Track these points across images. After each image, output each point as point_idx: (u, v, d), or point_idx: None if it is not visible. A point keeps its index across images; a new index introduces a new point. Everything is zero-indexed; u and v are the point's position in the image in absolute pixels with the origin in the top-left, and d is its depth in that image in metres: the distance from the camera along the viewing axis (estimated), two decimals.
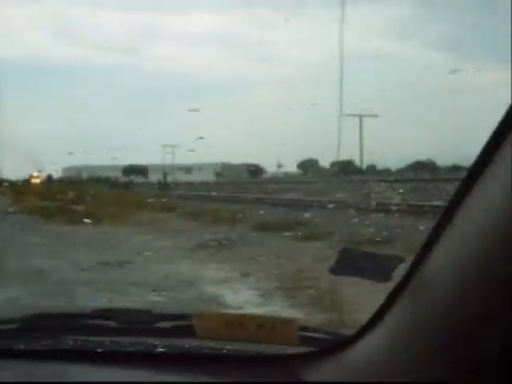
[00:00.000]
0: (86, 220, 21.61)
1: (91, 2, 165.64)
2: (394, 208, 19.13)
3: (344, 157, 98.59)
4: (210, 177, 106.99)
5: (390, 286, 1.57)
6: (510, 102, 1.24)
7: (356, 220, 16.02)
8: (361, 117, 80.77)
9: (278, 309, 8.26)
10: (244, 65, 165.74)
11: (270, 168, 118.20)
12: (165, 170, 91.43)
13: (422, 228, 13.82)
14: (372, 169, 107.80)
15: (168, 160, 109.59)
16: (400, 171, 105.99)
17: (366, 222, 15.74)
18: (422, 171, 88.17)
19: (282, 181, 65.11)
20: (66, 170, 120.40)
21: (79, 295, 8.35)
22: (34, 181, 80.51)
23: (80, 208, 27.79)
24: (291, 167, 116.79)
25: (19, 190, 45.42)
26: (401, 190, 31.67)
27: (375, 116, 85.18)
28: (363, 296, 8.69)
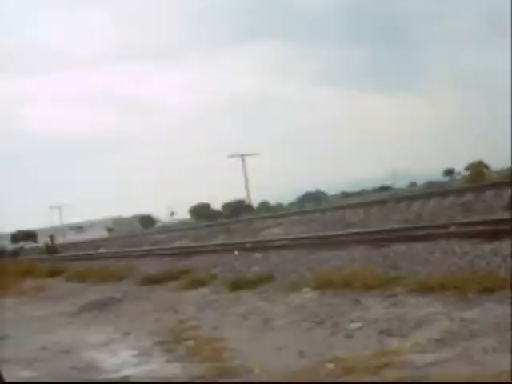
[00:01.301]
0: None
1: None
2: (278, 244, 19.35)
3: (235, 197, 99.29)
4: (102, 233, 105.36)
5: None
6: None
7: (238, 261, 16.04)
8: (243, 156, 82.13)
9: (156, 366, 8.07)
10: (117, 119, 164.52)
11: (163, 216, 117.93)
12: (53, 231, 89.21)
13: (301, 262, 14.00)
14: (264, 205, 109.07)
15: (57, 221, 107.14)
16: (291, 204, 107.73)
17: (250, 262, 15.78)
18: (313, 201, 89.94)
19: (174, 228, 64.91)
20: None
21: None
22: None
23: None
24: (184, 213, 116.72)
25: None
26: (283, 225, 32.33)
27: (256, 154, 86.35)
28: (245, 341, 8.67)
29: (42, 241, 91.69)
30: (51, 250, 52.85)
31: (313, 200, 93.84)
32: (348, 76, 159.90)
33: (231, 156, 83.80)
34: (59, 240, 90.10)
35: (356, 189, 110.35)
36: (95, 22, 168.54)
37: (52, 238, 61.14)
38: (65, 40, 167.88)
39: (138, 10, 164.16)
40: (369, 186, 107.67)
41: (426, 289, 9.26)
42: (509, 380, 5.43)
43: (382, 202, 34.19)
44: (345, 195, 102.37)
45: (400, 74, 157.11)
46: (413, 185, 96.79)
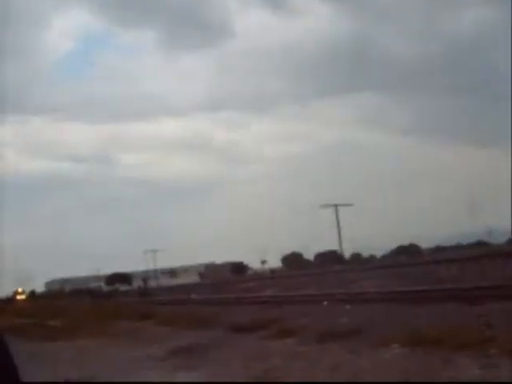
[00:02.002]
0: (61, 335, 21.32)
1: (61, 117, 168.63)
2: (369, 297, 19.04)
3: (327, 247, 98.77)
4: (194, 278, 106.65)
5: None
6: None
7: (328, 312, 15.84)
8: (336, 206, 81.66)
9: None
10: (216, 166, 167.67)
11: (255, 264, 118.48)
12: (147, 275, 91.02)
13: (392, 317, 13.68)
14: (357, 257, 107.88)
15: (151, 265, 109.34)
16: (384, 256, 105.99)
17: (339, 314, 15.56)
18: (407, 254, 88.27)
19: (265, 277, 65.01)
20: (48, 283, 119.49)
21: None
22: (19, 297, 79.68)
23: (56, 323, 27.41)
24: (276, 262, 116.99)
25: None
26: (375, 277, 31.75)
27: (350, 205, 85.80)
28: None
29: (136, 284, 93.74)
30: (144, 293, 53.90)
31: (406, 253, 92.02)
32: (442, 127, 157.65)
33: (324, 206, 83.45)
34: (152, 284, 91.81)
35: (451, 243, 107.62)
36: (196, 72, 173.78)
37: (145, 281, 62.43)
38: (165, 89, 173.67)
39: (238, 61, 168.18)
40: (464, 240, 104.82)
41: None
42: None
43: (478, 258, 33.20)
44: (439, 249, 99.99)
45: (495, 127, 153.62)
46: (511, 241, 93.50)
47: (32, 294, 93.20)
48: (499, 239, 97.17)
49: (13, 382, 1.42)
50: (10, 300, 74.49)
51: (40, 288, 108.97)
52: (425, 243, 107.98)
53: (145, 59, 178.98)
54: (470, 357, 9.24)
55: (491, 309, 12.28)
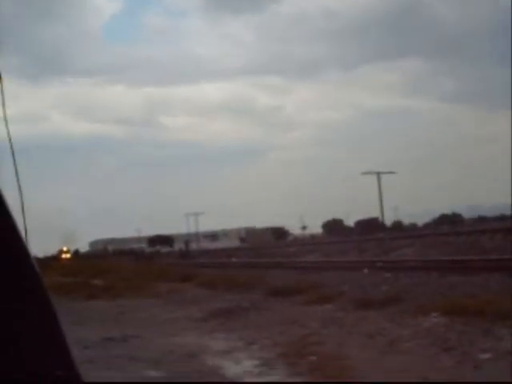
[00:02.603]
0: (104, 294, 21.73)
1: (106, 79, 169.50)
2: (410, 265, 18.93)
3: (368, 214, 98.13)
4: (235, 242, 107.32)
5: None
6: None
7: (367, 280, 15.81)
8: (379, 174, 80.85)
9: (277, 379, 8.07)
10: (257, 131, 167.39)
11: (295, 230, 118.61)
12: (188, 238, 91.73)
13: (432, 285, 13.59)
14: (398, 225, 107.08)
15: (193, 228, 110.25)
16: (426, 225, 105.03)
17: (379, 281, 15.53)
18: (449, 224, 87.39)
19: (306, 242, 65.09)
20: (92, 243, 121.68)
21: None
22: (64, 256, 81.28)
23: (100, 282, 27.91)
24: (316, 228, 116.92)
25: (43, 266, 45.65)
26: (416, 246, 31.47)
27: (393, 173, 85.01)
28: (369, 361, 8.52)
29: (178, 246, 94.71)
30: (185, 255, 54.44)
31: (448, 222, 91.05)
32: (487, 96, 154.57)
33: (366, 173, 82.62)
34: (193, 247, 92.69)
35: (495, 213, 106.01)
36: (240, 36, 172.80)
37: (187, 244, 62.96)
38: (210, 53, 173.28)
39: (282, 25, 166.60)
40: (509, 211, 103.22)
41: None
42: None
43: None
44: (482, 219, 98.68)
45: None
46: None
47: (76, 254, 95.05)
48: None
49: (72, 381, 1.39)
50: (56, 258, 76.00)
51: (84, 248, 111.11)
52: (468, 213, 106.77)
53: (190, 22, 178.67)
54: (510, 327, 9.15)
55: None
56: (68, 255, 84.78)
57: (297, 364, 8.69)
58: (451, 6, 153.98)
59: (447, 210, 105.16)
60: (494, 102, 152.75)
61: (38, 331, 1.35)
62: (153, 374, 8.45)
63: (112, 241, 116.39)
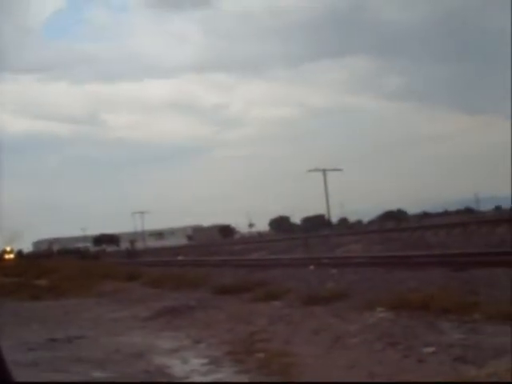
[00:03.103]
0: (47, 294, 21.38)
1: (48, 76, 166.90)
2: (355, 261, 19.12)
3: (314, 212, 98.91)
4: (182, 241, 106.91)
5: None
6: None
7: (314, 276, 15.92)
8: (325, 171, 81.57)
9: (224, 376, 8.05)
10: (203, 128, 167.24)
11: (243, 227, 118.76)
12: (135, 236, 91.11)
13: (377, 281, 13.76)
14: (344, 221, 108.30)
15: (139, 226, 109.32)
16: (371, 222, 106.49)
17: (325, 278, 15.64)
18: (393, 220, 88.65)
19: (252, 240, 65.22)
20: (36, 243, 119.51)
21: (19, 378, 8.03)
22: (6, 256, 79.51)
23: (44, 282, 27.45)
24: (263, 225, 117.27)
25: None
26: (362, 242, 31.89)
27: (339, 170, 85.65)
28: (316, 357, 8.55)
29: (124, 245, 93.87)
30: (131, 254, 53.99)
31: (393, 219, 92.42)
32: (432, 93, 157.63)
33: (312, 170, 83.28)
34: (140, 245, 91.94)
35: (439, 210, 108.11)
36: (185, 33, 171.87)
37: (132, 243, 62.47)
38: (154, 49, 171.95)
39: (227, 22, 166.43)
40: (452, 207, 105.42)
41: (506, 317, 8.91)
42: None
43: (465, 225, 33.40)
44: (427, 215, 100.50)
45: (487, 94, 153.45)
46: (498, 208, 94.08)
47: (20, 254, 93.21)
48: (487, 207, 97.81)
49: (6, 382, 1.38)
50: None
51: (28, 248, 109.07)
52: (412, 209, 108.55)
53: (134, 19, 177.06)
54: (453, 321, 9.33)
55: (476, 275, 12.37)
56: (11, 255, 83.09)
57: (244, 361, 8.67)
58: (396, 4, 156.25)
59: (392, 207, 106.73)
60: (439, 100, 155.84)
61: None
62: (98, 374, 8.32)
63: (57, 240, 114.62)
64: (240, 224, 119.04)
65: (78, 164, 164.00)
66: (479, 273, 12.59)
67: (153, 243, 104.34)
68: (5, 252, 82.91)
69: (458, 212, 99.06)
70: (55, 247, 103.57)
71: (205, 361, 9.02)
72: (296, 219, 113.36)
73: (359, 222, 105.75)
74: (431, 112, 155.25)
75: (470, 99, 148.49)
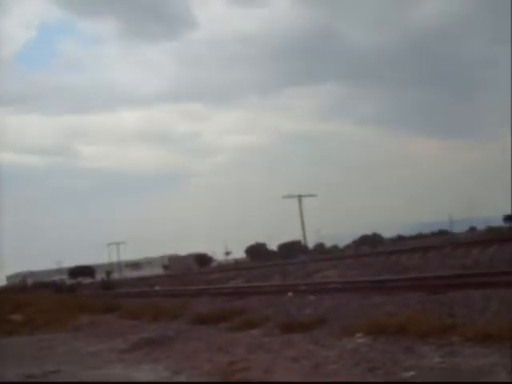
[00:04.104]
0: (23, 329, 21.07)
1: (20, 108, 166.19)
2: (333, 287, 19.14)
3: (290, 238, 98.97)
4: (158, 270, 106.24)
5: None
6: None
7: (292, 303, 15.90)
8: (300, 197, 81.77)
9: None
10: (176, 157, 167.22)
11: (219, 255, 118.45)
12: (111, 267, 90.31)
13: (355, 306, 13.78)
14: (320, 247, 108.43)
15: (115, 257, 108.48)
16: (347, 247, 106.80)
17: (303, 304, 15.63)
18: (369, 244, 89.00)
19: (229, 268, 65.02)
20: (10, 277, 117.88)
21: None
22: None
23: (19, 317, 27.03)
24: (240, 253, 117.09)
25: None
26: (338, 268, 31.94)
27: (314, 195, 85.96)
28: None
29: (99, 276, 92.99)
30: (107, 286, 53.49)
31: (369, 243, 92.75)
32: (403, 118, 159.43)
33: (287, 197, 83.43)
34: (116, 276, 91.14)
35: (413, 232, 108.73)
36: (157, 63, 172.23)
37: (108, 274, 61.87)
38: (126, 80, 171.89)
39: (198, 51, 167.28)
40: (426, 230, 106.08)
41: (484, 338, 8.98)
42: None
43: (440, 247, 33.62)
44: (401, 238, 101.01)
45: (454, 119, 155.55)
46: (472, 230, 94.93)
47: None
48: (461, 228, 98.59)
49: None
50: None
51: (1, 281, 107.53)
52: (387, 233, 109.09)
53: (106, 49, 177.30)
54: (431, 344, 9.37)
55: (452, 297, 12.45)
56: None
57: None
58: (364, 32, 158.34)
59: (367, 231, 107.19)
60: (410, 125, 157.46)
61: None
62: None
63: (31, 273, 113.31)
64: (216, 252, 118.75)
65: (51, 195, 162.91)
66: (455, 295, 12.66)
67: (129, 274, 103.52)
68: None
69: (432, 234, 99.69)
70: (30, 281, 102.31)
71: None
72: (272, 246, 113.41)
73: (335, 247, 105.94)
74: (403, 137, 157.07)
75: (441, 124, 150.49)
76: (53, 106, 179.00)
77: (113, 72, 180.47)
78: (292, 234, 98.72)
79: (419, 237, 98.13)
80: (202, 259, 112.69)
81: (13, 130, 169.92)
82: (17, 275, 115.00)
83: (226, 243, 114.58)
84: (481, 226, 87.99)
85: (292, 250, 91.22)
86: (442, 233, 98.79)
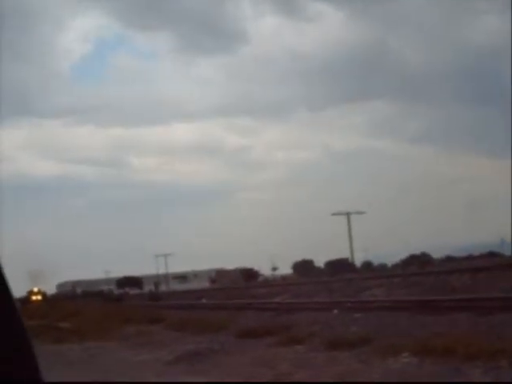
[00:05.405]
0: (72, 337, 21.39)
1: (74, 120, 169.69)
2: (380, 305, 18.97)
3: (338, 255, 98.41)
4: (205, 283, 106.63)
5: None
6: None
7: (338, 320, 15.81)
8: (348, 214, 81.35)
9: None
10: (226, 171, 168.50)
11: (266, 271, 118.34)
12: (158, 279, 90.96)
13: (402, 325, 13.63)
14: (368, 265, 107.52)
15: (162, 269, 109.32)
16: (395, 266, 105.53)
17: (349, 322, 15.53)
18: (417, 264, 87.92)
19: (276, 283, 64.89)
20: (60, 285, 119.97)
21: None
22: (34, 297, 78.69)
23: (68, 325, 27.47)
24: (286, 269, 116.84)
25: None
26: (385, 286, 31.58)
27: (362, 213, 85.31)
28: None
29: (147, 287, 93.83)
30: (155, 297, 53.93)
31: (417, 263, 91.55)
32: (453, 137, 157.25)
33: (336, 214, 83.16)
34: (163, 288, 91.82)
35: (462, 253, 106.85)
36: (209, 77, 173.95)
37: (156, 285, 62.36)
38: (178, 93, 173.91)
39: (251, 67, 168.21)
40: (476, 251, 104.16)
41: None
42: None
43: (489, 269, 33.00)
44: (450, 259, 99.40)
45: (507, 138, 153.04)
46: None
47: (43, 295, 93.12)
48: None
49: (35, 380, 1.59)
50: (25, 300, 73.71)
51: (51, 289, 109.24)
52: (436, 253, 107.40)
53: (159, 63, 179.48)
54: (479, 367, 9.21)
55: (502, 320, 12.22)
56: (39, 297, 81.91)
57: None
58: (416, 49, 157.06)
59: (416, 250, 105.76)
60: (460, 144, 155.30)
61: (7, 339, 1.52)
62: None
63: (80, 282, 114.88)
64: (263, 267, 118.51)
65: (102, 206, 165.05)
66: (505, 317, 12.42)
67: (176, 286, 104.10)
68: (32, 293, 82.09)
69: (481, 256, 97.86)
70: (78, 289, 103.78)
71: None
72: (319, 263, 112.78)
73: (383, 266, 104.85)
74: (453, 155, 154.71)
75: (493, 143, 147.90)
76: (106, 118, 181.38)
77: (165, 85, 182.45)
78: (340, 252, 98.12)
79: (469, 258, 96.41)
80: (249, 274, 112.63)
81: (67, 142, 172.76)
82: (66, 284, 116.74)
83: (272, 259, 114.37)
84: None
85: (339, 267, 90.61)
86: (493, 254, 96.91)
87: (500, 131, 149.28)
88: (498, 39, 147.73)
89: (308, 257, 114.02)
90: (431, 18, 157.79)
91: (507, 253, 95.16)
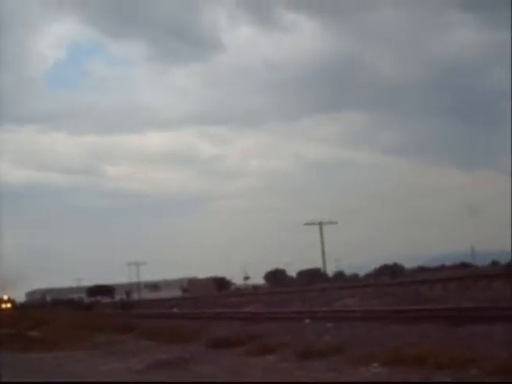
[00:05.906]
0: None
1: (48, 127, 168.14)
2: (351, 315, 19.00)
3: (310, 265, 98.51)
4: (177, 292, 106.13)
5: None
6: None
7: (309, 330, 15.79)
8: (321, 224, 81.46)
9: None
10: (200, 180, 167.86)
11: (238, 280, 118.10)
12: (130, 287, 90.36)
13: (374, 335, 13.65)
14: (340, 275, 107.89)
15: (134, 278, 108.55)
16: (367, 275, 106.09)
17: (321, 332, 15.51)
18: (389, 274, 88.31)
19: (248, 293, 64.87)
20: (29, 293, 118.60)
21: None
22: (3, 306, 77.35)
23: (37, 334, 27.12)
24: (259, 278, 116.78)
25: None
26: (358, 296, 31.72)
27: (334, 223, 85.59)
28: None
29: (118, 296, 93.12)
30: (126, 305, 53.56)
31: (389, 273, 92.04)
32: (426, 148, 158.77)
33: (308, 223, 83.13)
34: (134, 296, 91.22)
35: (435, 264, 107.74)
36: (184, 86, 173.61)
37: (128, 294, 61.95)
38: (153, 101, 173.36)
39: (226, 76, 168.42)
40: (448, 261, 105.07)
41: (504, 372, 8.83)
42: None
43: (461, 279, 33.29)
44: (422, 269, 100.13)
45: (477, 150, 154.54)
46: (494, 263, 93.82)
47: (13, 304, 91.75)
48: (483, 261, 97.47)
49: None
50: None
51: (20, 297, 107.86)
52: (408, 263, 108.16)
53: (134, 71, 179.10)
54: (450, 376, 9.23)
55: (473, 330, 12.28)
56: (8, 305, 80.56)
57: None
58: (390, 61, 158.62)
59: (388, 260, 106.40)
60: (433, 155, 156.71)
61: None
62: None
63: (50, 291, 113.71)
64: (235, 276, 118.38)
65: (75, 214, 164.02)
66: (476, 328, 12.49)
67: (148, 295, 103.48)
68: (1, 301, 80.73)
69: (454, 266, 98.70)
70: (48, 297, 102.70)
71: None
72: (292, 272, 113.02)
73: (355, 276, 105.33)
74: (426, 166, 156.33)
75: (464, 155, 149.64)
76: (80, 125, 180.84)
77: (140, 93, 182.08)
78: (312, 262, 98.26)
79: (441, 268, 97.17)
80: (221, 283, 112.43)
81: (40, 148, 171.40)
82: (36, 292, 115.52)
83: (245, 268, 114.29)
84: (505, 259, 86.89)
85: (311, 277, 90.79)
86: (464, 265, 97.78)
87: (472, 143, 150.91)
88: (472, 52, 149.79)
89: (280, 266, 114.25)
90: (406, 31, 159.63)
91: (479, 263, 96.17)
